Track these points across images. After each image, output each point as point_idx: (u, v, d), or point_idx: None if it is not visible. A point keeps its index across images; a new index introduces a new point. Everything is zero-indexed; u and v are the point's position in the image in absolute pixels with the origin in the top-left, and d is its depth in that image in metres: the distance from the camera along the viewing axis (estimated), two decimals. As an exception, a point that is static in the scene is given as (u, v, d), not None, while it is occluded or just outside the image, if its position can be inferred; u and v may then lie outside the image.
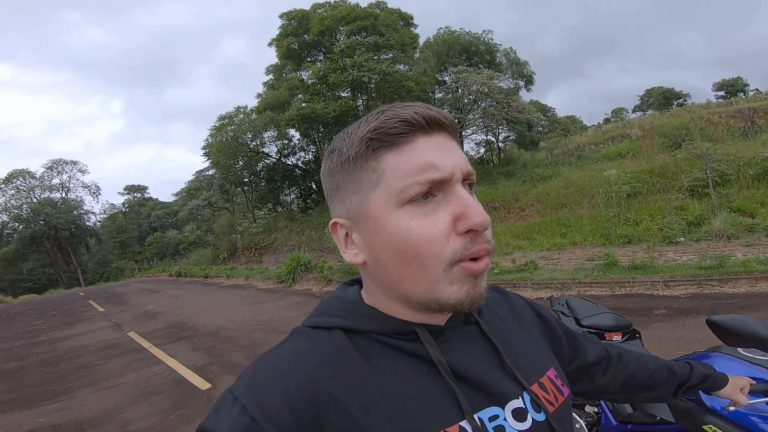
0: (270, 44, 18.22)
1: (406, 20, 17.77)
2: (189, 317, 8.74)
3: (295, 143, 19.94)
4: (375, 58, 14.25)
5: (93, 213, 42.79)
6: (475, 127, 18.91)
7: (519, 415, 0.53)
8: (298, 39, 17.20)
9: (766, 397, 0.94)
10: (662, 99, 35.75)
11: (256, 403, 0.45)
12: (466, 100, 16.75)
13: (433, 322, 0.55)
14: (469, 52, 18.80)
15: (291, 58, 17.94)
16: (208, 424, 0.45)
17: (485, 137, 21.76)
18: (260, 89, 19.74)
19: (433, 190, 0.48)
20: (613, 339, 1.75)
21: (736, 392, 0.89)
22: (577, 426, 1.70)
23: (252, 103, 22.19)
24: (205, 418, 0.47)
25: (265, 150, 19.37)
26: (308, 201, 21.60)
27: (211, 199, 22.89)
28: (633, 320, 4.13)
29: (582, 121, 33.47)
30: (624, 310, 4.71)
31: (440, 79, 18.19)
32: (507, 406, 0.53)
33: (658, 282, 5.41)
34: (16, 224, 36.89)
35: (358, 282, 0.62)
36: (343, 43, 14.47)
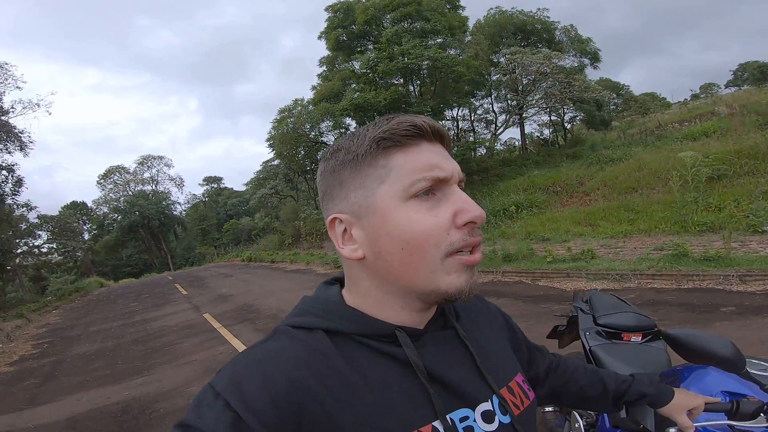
0: (320, 37, 18.55)
1: (453, 3, 17.18)
2: (255, 300, 9.44)
3: (351, 132, 20.17)
4: (422, 44, 14.00)
5: (179, 203, 47.10)
6: (537, 108, 17.99)
7: (487, 417, 0.57)
8: (345, 30, 17.35)
9: (729, 418, 0.88)
10: (758, 74, 31.39)
11: (238, 398, 0.46)
12: (525, 81, 15.97)
13: (414, 326, 0.58)
14: (525, 31, 17.84)
15: (341, 50, 18.15)
16: (190, 420, 0.46)
17: (549, 118, 20.62)
18: (315, 81, 20.30)
19: (435, 188, 0.53)
20: (632, 340, 1.68)
21: (679, 413, 0.85)
22: (576, 425, 1.69)
23: (309, 94, 22.93)
24: (186, 413, 0.47)
25: (324, 139, 19.97)
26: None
27: (277, 188, 24.20)
28: (695, 318, 3.89)
29: (664, 98, 30.44)
30: (687, 306, 4.36)
31: (495, 60, 17.46)
32: (477, 408, 0.57)
33: (733, 276, 4.89)
34: (116, 215, 41.79)
35: (339, 281, 0.64)
36: (389, 31, 14.38)
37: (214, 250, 36.74)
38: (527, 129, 20.80)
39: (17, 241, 19.64)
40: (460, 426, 0.54)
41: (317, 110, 17.66)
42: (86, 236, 42.44)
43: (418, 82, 16.16)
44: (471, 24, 18.02)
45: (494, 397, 0.59)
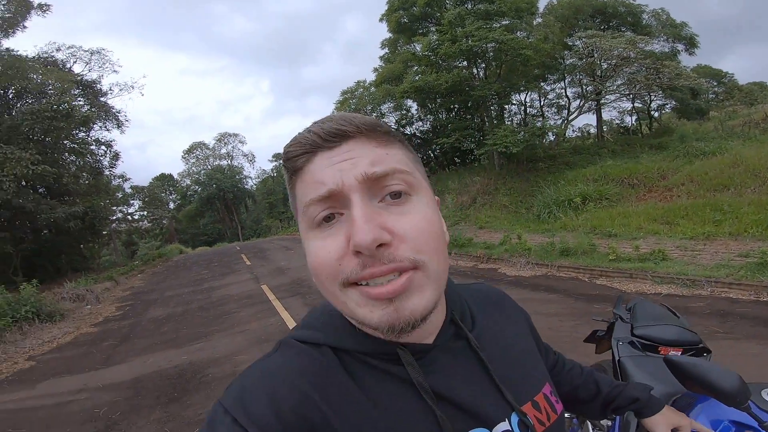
0: (381, 19, 18.39)
1: (521, -16, 16.13)
2: (309, 275, 9.83)
3: (413, 114, 20.22)
4: (487, 26, 13.31)
5: (250, 178, 50.10)
6: (618, 95, 16.54)
7: None
8: (406, 12, 17.05)
9: None
10: None
11: (245, 415, 0.45)
12: (605, 66, 14.70)
13: (420, 341, 0.54)
14: (605, 14, 16.36)
15: (402, 32, 17.92)
16: None
17: (632, 105, 18.88)
18: (377, 63, 20.38)
19: (337, 207, 0.47)
20: (669, 354, 1.54)
21: (662, 426, 0.79)
22: None
23: (370, 77, 23.04)
24: (200, 429, 0.48)
25: (385, 120, 20.09)
26: (426, 169, 22.04)
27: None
28: (766, 333, 3.39)
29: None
30: (760, 320, 3.87)
31: (569, 44, 16.22)
32: (496, 428, 0.52)
33: (829, 293, 4.21)
34: (196, 187, 45.47)
35: None
36: (451, 13, 13.86)
37: (279, 223, 38.70)
38: (606, 116, 19.26)
39: (114, 208, 22.08)
40: None
41: (379, 92, 17.81)
42: (171, 206, 46.61)
43: (483, 65, 15.52)
44: (542, 6, 16.90)
45: (513, 415, 0.54)
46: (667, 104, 18.79)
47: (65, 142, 16.29)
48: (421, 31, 17.08)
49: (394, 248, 0.45)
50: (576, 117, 17.38)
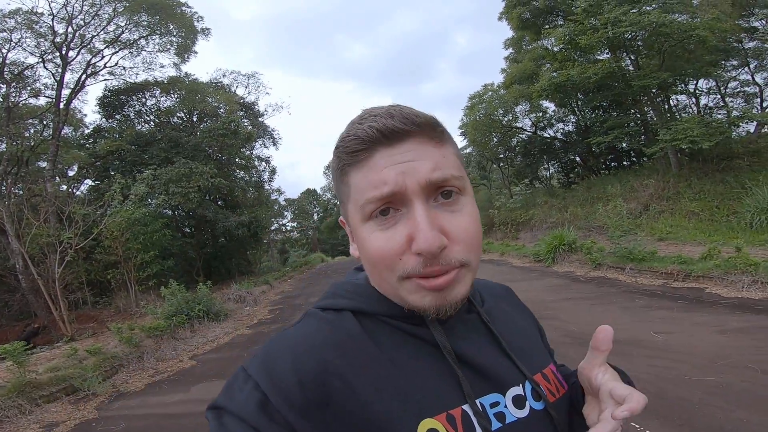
0: (500, 18, 17.48)
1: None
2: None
3: (551, 115, 18.74)
4: (634, 11, 11.45)
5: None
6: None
7: (518, 402, 0.54)
8: (527, 7, 15.90)
9: None
10: None
11: (267, 380, 0.47)
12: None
13: None
14: None
15: (526, 29, 16.84)
16: (221, 401, 0.48)
17: None
18: (501, 65, 19.74)
19: (394, 204, 0.49)
20: None
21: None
22: None
23: (497, 79, 22.16)
24: (219, 395, 0.49)
25: (518, 124, 18.97)
26: (571, 175, 19.84)
27: (470, 176, 24.13)
28: None
29: None
30: None
31: (746, 26, 13.20)
32: (508, 393, 0.54)
33: None
34: (336, 200, 49.65)
35: None
36: (585, 2, 12.19)
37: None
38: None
39: (272, 219, 25.08)
40: (490, 411, 0.52)
41: (510, 94, 16.98)
42: (315, 217, 51.48)
43: (632, 55, 13.47)
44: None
45: (526, 383, 0.56)
46: None
47: (236, 159, 19.07)
48: (547, 26, 15.94)
49: (449, 250, 0.49)
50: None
